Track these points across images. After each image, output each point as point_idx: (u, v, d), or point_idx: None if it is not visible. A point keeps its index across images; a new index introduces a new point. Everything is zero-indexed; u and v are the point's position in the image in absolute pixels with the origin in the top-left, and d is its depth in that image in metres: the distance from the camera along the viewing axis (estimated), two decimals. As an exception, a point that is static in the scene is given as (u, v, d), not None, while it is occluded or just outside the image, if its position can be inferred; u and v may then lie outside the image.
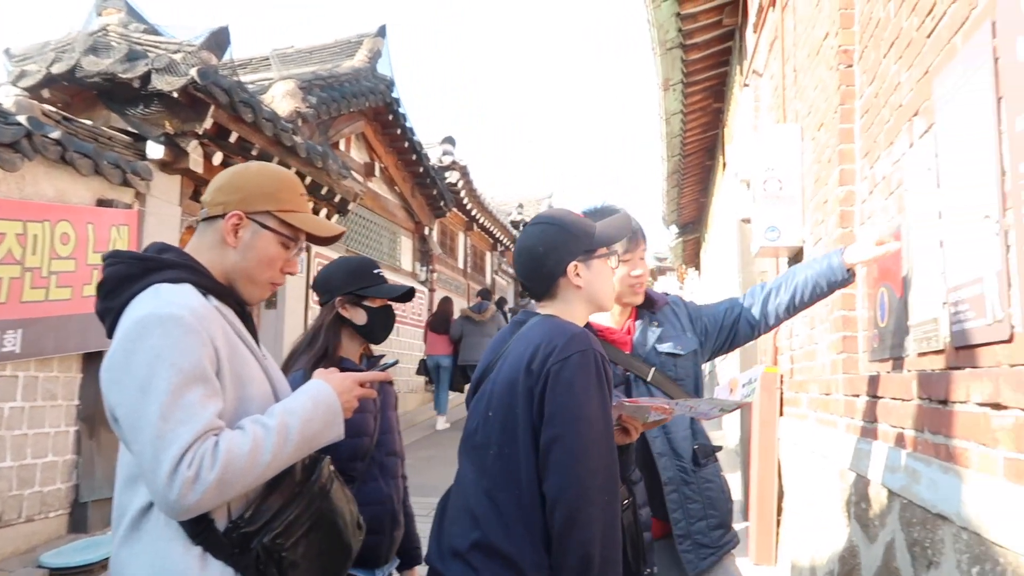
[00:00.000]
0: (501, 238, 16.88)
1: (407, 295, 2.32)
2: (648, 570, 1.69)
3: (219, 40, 5.57)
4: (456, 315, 9.93)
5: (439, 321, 9.79)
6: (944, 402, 1.86)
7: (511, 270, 19.32)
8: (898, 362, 2.35)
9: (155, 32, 5.75)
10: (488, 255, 17.38)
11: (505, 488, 1.46)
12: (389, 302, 2.28)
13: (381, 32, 9.83)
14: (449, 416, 10.26)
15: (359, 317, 2.21)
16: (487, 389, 1.57)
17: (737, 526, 4.98)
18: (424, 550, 1.76)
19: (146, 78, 5.16)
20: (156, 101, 5.29)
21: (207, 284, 1.40)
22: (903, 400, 2.20)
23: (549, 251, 1.60)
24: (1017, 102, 1.54)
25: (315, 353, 2.12)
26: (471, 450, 1.56)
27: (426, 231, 12.03)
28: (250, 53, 9.35)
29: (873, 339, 2.64)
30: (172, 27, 5.75)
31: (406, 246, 11.62)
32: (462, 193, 13.02)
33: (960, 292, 1.82)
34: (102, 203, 4.89)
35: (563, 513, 1.38)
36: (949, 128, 1.91)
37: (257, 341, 1.50)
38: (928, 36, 2.11)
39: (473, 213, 14.22)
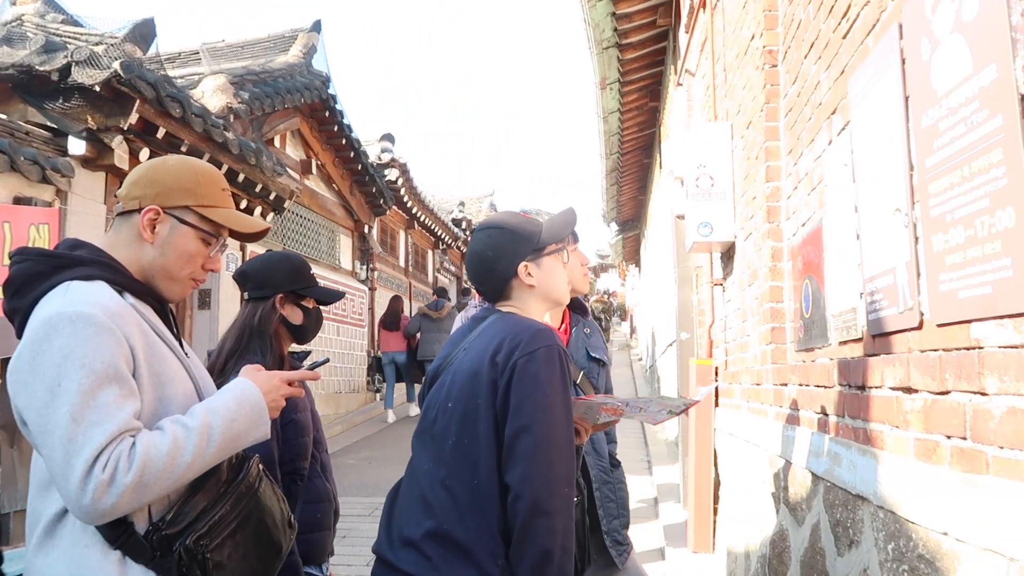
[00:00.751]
0: (443, 236, 16.81)
1: (338, 298, 2.32)
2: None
3: (144, 32, 5.39)
4: (412, 313, 10.16)
5: (390, 319, 10.13)
6: (862, 387, 1.94)
7: (453, 268, 19.29)
8: (821, 351, 2.43)
9: (75, 23, 5.53)
10: (430, 253, 17.28)
11: (462, 478, 1.46)
12: (320, 304, 2.25)
13: (316, 27, 9.66)
14: (395, 412, 10.29)
15: (296, 316, 2.17)
16: (447, 380, 1.57)
17: (676, 515, 5.08)
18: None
19: (65, 71, 4.96)
20: (77, 95, 5.09)
21: (122, 281, 1.35)
22: (825, 387, 2.28)
23: (498, 255, 1.63)
24: (922, 100, 1.62)
25: (269, 358, 2.06)
26: (429, 440, 1.56)
27: (366, 229, 11.89)
28: (178, 47, 9.06)
29: (799, 330, 2.74)
30: (93, 18, 5.53)
31: (345, 244, 11.46)
32: (402, 191, 12.92)
33: (875, 282, 1.90)
34: (19, 201, 4.68)
35: (527, 501, 1.39)
36: (863, 126, 1.99)
37: (180, 340, 1.46)
38: (843, 37, 2.19)
39: (414, 211, 14.13)
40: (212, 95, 7.08)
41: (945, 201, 1.52)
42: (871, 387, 1.87)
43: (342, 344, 10.77)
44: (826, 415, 2.27)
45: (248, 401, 1.36)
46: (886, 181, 1.83)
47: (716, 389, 4.35)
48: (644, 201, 12.90)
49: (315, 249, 10.18)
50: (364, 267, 11.96)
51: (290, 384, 1.47)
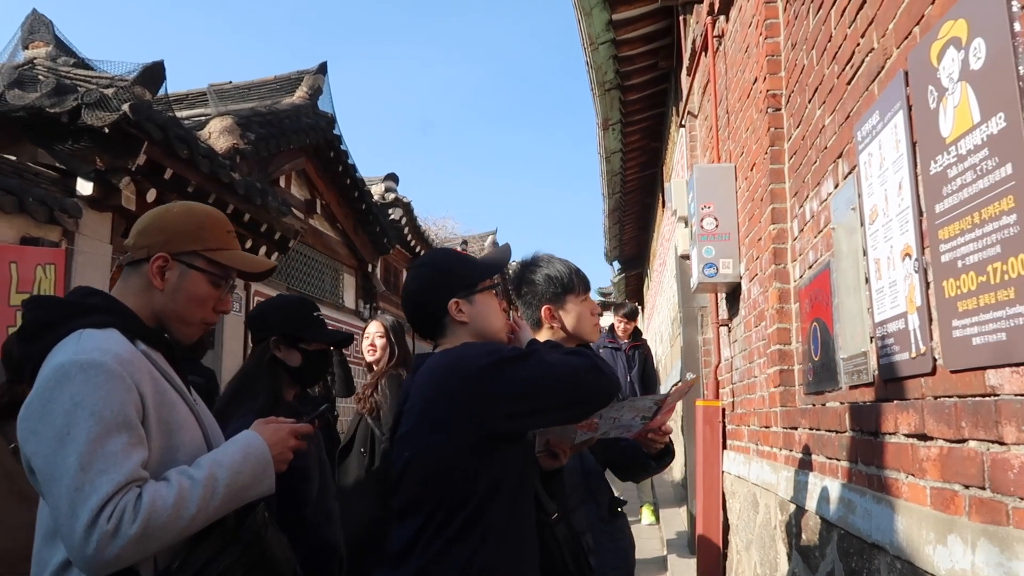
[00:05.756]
0: (445, 274, 16.84)
1: (345, 341, 2.28)
2: None
3: (153, 75, 5.47)
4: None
5: None
6: (875, 434, 1.91)
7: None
8: (831, 395, 2.41)
9: (85, 66, 5.62)
10: (432, 291, 17.28)
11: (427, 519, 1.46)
12: (326, 347, 2.22)
13: (322, 69, 9.82)
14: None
15: (293, 359, 2.15)
16: (404, 432, 1.53)
17: (684, 560, 4.98)
18: None
19: (75, 113, 5.02)
20: (86, 137, 5.15)
21: (135, 328, 1.35)
22: (837, 432, 2.25)
23: (426, 292, 1.63)
24: (930, 147, 1.63)
25: (262, 400, 2.04)
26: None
27: (369, 268, 11.92)
28: (186, 88, 9.20)
29: (808, 373, 2.71)
30: (104, 62, 5.62)
31: (349, 283, 11.48)
32: (405, 229, 12.99)
33: (887, 327, 1.89)
34: (26, 241, 4.70)
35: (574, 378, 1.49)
36: (870, 170, 2.00)
37: (188, 387, 1.45)
38: (848, 83, 2.22)
39: (417, 250, 14.17)
40: (219, 136, 7.16)
41: (956, 247, 1.52)
42: (885, 433, 1.85)
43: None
44: (838, 460, 2.24)
45: (254, 454, 1.34)
46: (895, 226, 1.83)
47: (723, 426, 4.30)
48: (646, 240, 12.94)
49: (319, 288, 10.19)
50: (368, 306, 11.95)
51: (297, 437, 1.46)
